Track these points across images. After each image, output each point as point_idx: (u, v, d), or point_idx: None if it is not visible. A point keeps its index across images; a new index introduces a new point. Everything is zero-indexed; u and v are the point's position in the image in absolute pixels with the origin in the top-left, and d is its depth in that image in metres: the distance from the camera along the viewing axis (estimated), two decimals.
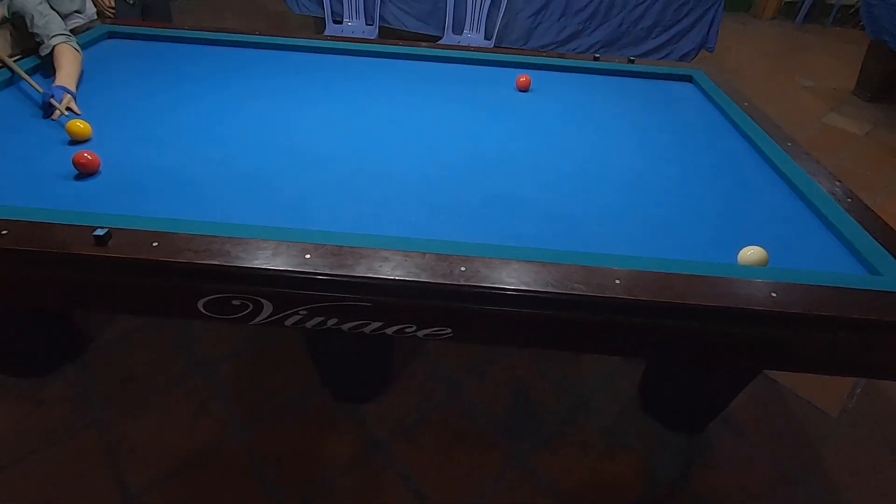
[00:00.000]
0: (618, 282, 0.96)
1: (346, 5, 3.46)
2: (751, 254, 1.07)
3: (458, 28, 3.45)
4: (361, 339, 1.37)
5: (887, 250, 1.09)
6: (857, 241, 1.13)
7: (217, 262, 0.95)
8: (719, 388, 1.46)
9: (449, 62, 2.04)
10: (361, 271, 0.95)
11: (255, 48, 2.05)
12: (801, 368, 1.08)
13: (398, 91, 1.78)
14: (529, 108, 1.74)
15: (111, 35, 2.06)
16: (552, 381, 1.74)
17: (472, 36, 3.42)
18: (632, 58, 2.07)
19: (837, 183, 1.33)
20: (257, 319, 1.06)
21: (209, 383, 1.64)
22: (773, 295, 0.96)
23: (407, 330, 1.06)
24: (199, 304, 1.03)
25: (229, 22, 4.77)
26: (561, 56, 2.09)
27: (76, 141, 1.34)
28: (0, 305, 1.38)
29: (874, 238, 1.13)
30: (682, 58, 3.52)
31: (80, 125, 1.34)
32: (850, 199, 1.27)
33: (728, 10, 4.05)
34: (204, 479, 1.40)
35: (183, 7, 4.88)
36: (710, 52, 3.55)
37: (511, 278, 0.96)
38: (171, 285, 1.01)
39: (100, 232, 0.97)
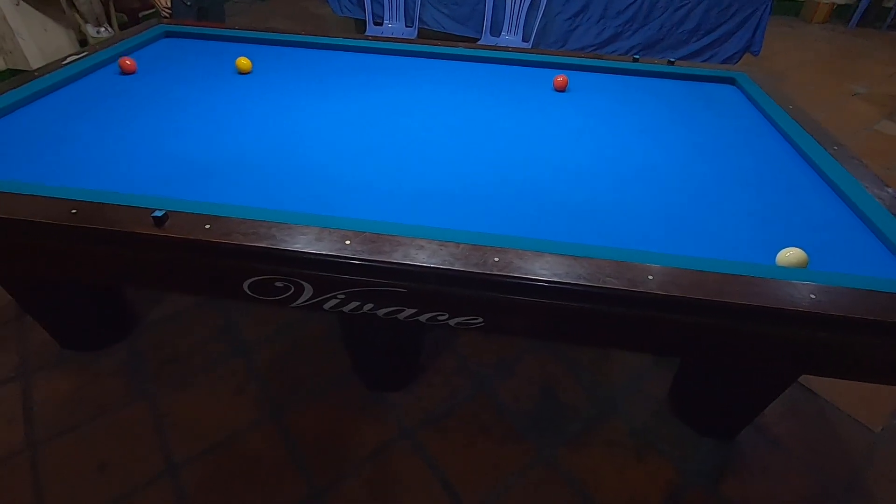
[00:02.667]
0: (650, 277, 0.97)
1: (386, 7, 3.54)
2: (790, 255, 1.05)
3: (495, 30, 3.48)
4: (393, 329, 1.42)
5: None
6: None
7: (263, 245, 1.01)
8: (753, 392, 1.43)
9: (486, 62, 2.06)
10: (398, 258, 0.99)
11: (302, 47, 2.13)
12: (841, 374, 1.06)
13: (437, 89, 1.82)
14: (566, 107, 1.75)
15: (167, 34, 2.18)
16: (581, 381, 1.73)
17: (510, 38, 3.44)
18: (672, 59, 2.05)
19: (888, 189, 1.28)
20: (298, 301, 1.11)
21: (247, 366, 1.71)
22: (813, 296, 0.95)
23: (439, 318, 1.09)
24: (245, 285, 1.09)
25: (276, 23, 4.94)
26: (600, 56, 2.09)
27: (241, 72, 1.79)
28: (67, 280, 1.49)
29: None
30: (725, 61, 3.45)
31: (244, 61, 1.79)
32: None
33: (776, 14, 3.95)
34: (241, 454, 1.47)
35: (232, 10, 5.09)
36: (755, 55, 3.46)
37: (543, 270, 0.98)
38: (220, 265, 1.07)
39: (158, 213, 1.04)
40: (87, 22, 3.24)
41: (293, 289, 1.08)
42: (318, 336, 1.83)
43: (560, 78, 1.84)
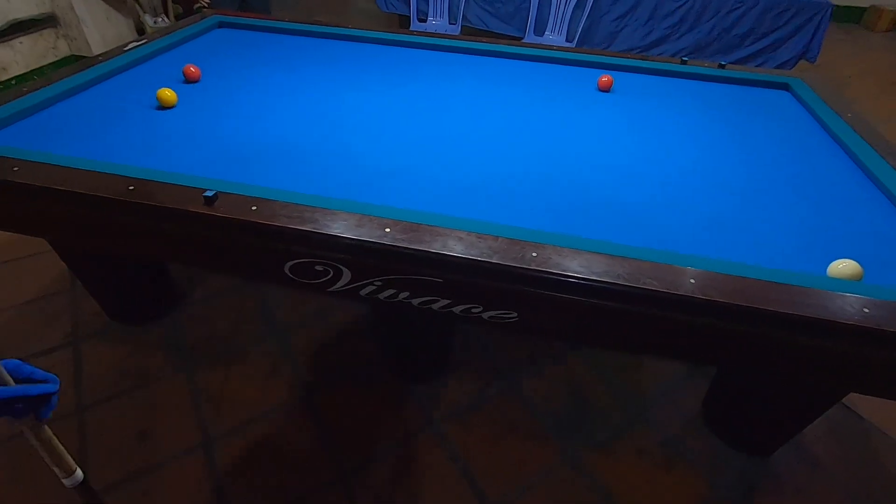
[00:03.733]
0: (692, 281, 0.95)
1: (430, 4, 3.57)
2: (842, 267, 1.01)
3: (539, 29, 3.45)
4: (424, 321, 1.44)
5: None
6: None
7: (306, 228, 1.03)
8: (794, 409, 1.38)
9: (529, 60, 2.05)
10: (437, 248, 1.00)
11: (348, 40, 2.17)
12: (891, 395, 1.01)
13: (480, 85, 1.82)
14: (610, 107, 1.72)
15: (221, 24, 2.27)
16: (612, 386, 1.71)
17: (554, 37, 3.41)
18: (722, 62, 1.99)
19: None
20: (336, 286, 1.14)
21: (282, 348, 1.76)
22: (866, 311, 0.90)
23: (473, 310, 1.10)
24: (286, 267, 1.13)
25: (322, 18, 5.04)
26: (646, 58, 2.05)
27: (164, 106, 1.54)
28: (120, 255, 1.56)
29: None
30: (778, 67, 3.32)
31: (167, 93, 1.53)
32: None
33: (836, 20, 3.77)
34: (272, 432, 1.51)
35: (281, 4, 5.22)
36: (811, 62, 3.32)
37: (581, 267, 0.97)
38: (264, 247, 1.10)
39: (209, 193, 1.08)
40: (145, 12, 3.39)
41: (332, 273, 1.11)
42: (350, 323, 1.87)
43: (605, 78, 1.82)
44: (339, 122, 1.53)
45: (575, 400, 1.66)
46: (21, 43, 3.11)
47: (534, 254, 0.99)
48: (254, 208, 1.08)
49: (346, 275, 1.10)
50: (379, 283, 1.10)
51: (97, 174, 1.16)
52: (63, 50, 3.35)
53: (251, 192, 1.13)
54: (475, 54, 2.09)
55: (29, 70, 3.21)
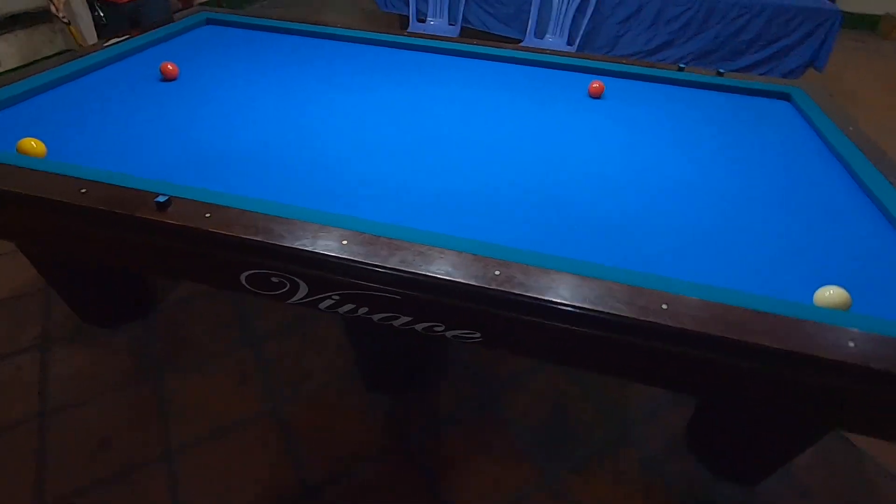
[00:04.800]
0: (665, 307, 0.88)
1: (430, 4, 3.51)
2: (829, 294, 0.94)
3: (540, 32, 3.39)
4: (397, 333, 1.38)
5: None
6: None
7: (259, 239, 0.98)
8: (781, 439, 1.30)
9: (521, 63, 1.99)
10: (394, 263, 0.94)
11: (338, 40, 2.11)
12: (878, 434, 0.94)
13: (468, 90, 1.75)
14: (599, 115, 1.65)
15: (209, 21, 2.22)
16: (594, 404, 1.64)
17: (554, 40, 3.34)
18: (721, 70, 1.92)
19: None
20: (294, 299, 1.08)
21: (254, 356, 1.71)
22: (851, 344, 0.83)
23: (436, 328, 1.04)
24: (242, 277, 1.08)
25: (326, 17, 5.00)
26: (642, 63, 1.98)
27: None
28: (77, 259, 1.52)
29: None
30: (785, 75, 3.23)
31: (32, 143, 1.22)
32: None
33: (848, 27, 3.67)
34: (238, 444, 1.46)
35: (286, 1, 5.19)
36: (819, 71, 3.22)
37: (546, 289, 0.91)
38: (218, 256, 1.05)
39: (161, 198, 1.04)
40: None
41: (289, 286, 1.06)
42: (327, 331, 1.81)
43: (595, 84, 1.75)
44: (317, 126, 1.47)
45: (556, 417, 1.60)
46: (16, 36, 3.10)
47: (496, 272, 0.93)
48: (207, 215, 1.03)
49: (303, 288, 1.05)
50: (337, 298, 1.05)
51: (49, 175, 1.11)
52: (59, 44, 3.33)
53: (207, 197, 1.07)
54: (465, 56, 2.03)
55: (25, 63, 3.20)
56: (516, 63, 1.99)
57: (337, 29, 2.14)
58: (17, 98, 1.48)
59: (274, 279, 1.05)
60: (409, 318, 1.04)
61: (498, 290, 0.91)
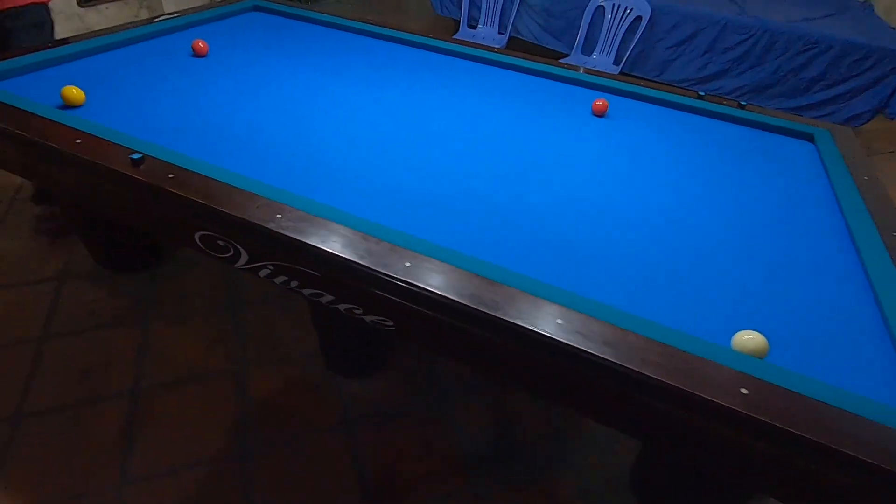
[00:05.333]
0: (559, 322, 0.87)
1: (483, 12, 3.55)
2: (747, 339, 0.89)
3: (588, 49, 3.34)
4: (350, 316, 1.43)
5: None
6: None
7: (205, 202, 1.06)
8: (718, 489, 1.23)
9: (536, 75, 1.99)
10: (315, 241, 0.99)
11: (376, 38, 2.18)
12: (770, 493, 0.87)
13: (477, 97, 1.76)
14: (597, 134, 1.61)
15: (256, 8, 2.39)
16: (549, 422, 1.61)
17: (601, 58, 3.28)
18: (743, 102, 1.82)
19: None
20: (238, 264, 1.16)
21: (235, 320, 1.83)
22: (744, 391, 0.79)
23: (355, 311, 1.08)
24: (196, 237, 1.17)
25: (383, 17, 5.16)
26: (659, 87, 1.91)
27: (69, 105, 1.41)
28: (78, 204, 1.68)
29: None
30: (848, 121, 2.98)
31: (74, 91, 1.41)
32: None
33: None
34: (196, 396, 1.57)
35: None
36: (891, 119, 2.95)
37: (436, 281, 0.92)
38: (176, 213, 1.15)
39: (135, 156, 1.15)
40: None
41: (232, 251, 1.14)
42: (302, 309, 1.89)
43: (599, 102, 1.72)
44: (314, 115, 1.54)
45: (502, 429, 1.58)
46: (107, 9, 3.46)
47: (407, 263, 0.96)
48: (171, 176, 1.13)
49: (244, 255, 1.13)
50: (272, 268, 1.11)
51: (54, 123, 1.26)
52: (143, 16, 3.68)
53: (177, 160, 1.18)
54: (483, 63, 2.05)
55: None
56: (529, 74, 1.99)
57: (374, 27, 2.22)
58: (75, 55, 1.71)
59: (220, 243, 1.14)
60: (333, 297, 1.08)
61: (403, 280, 0.93)
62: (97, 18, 3.41)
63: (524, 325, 0.86)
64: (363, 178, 1.28)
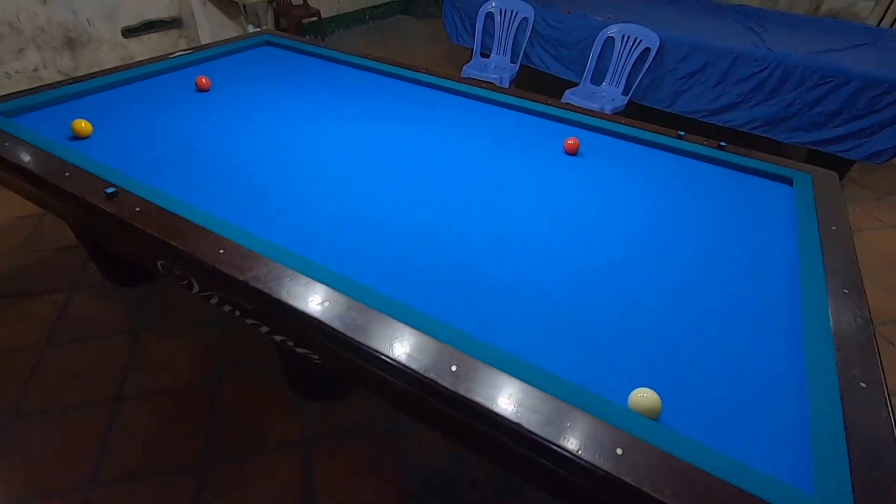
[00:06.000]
0: (454, 368, 0.91)
1: (495, 41, 3.63)
2: (643, 397, 0.89)
3: (597, 79, 3.34)
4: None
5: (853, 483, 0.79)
6: (826, 454, 0.83)
7: (162, 238, 1.17)
8: None
9: (513, 109, 2.03)
10: (247, 276, 1.07)
11: (380, 74, 2.28)
12: None
13: (451, 132, 1.83)
14: (564, 174, 1.63)
15: (267, 42, 2.56)
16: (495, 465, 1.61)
17: (610, 89, 3.28)
18: (723, 143, 1.79)
19: (871, 371, 0.98)
20: (193, 292, 1.26)
21: (220, 334, 1.94)
22: (619, 452, 0.80)
23: (288, 343, 1.15)
24: (159, 264, 1.28)
25: (385, 46, 5.33)
26: (639, 125, 1.91)
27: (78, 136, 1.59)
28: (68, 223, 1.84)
29: (850, 466, 0.81)
30: (870, 157, 2.84)
31: (83, 124, 1.59)
32: (863, 384, 0.95)
33: None
34: (170, 406, 1.69)
35: (367, 33, 5.63)
36: None
37: (338, 322, 0.97)
38: (140, 242, 1.26)
39: (110, 190, 1.28)
40: (249, 21, 3.92)
41: (187, 280, 1.24)
42: None
43: (571, 140, 1.74)
44: (282, 150, 1.64)
45: (454, 460, 1.61)
46: (149, 38, 3.78)
47: (325, 303, 1.02)
48: (136, 209, 1.25)
49: (196, 285, 1.22)
50: (218, 298, 1.20)
51: (50, 156, 1.42)
52: (182, 47, 3.99)
53: (150, 194, 1.30)
54: (473, 99, 2.11)
55: None
56: (508, 108, 2.04)
57: (369, 61, 2.33)
58: (93, 90, 1.90)
59: (177, 272, 1.24)
60: (268, 329, 1.16)
61: (319, 319, 0.99)
62: (140, 48, 3.73)
63: (398, 362, 0.90)
64: (308, 213, 1.36)
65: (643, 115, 3.48)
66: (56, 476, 1.48)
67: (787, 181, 1.68)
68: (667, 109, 3.29)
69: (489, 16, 3.59)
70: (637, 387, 0.91)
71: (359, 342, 0.95)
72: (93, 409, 1.66)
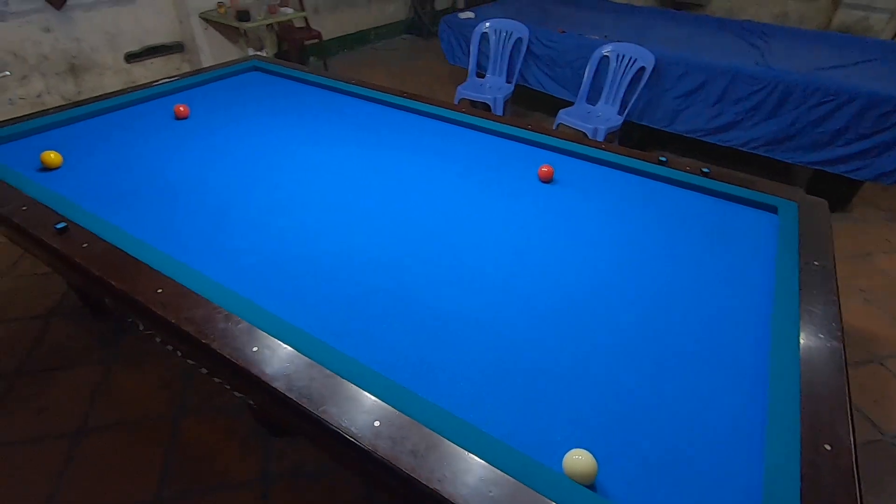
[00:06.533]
0: (377, 423, 0.85)
1: (490, 61, 3.61)
2: (577, 459, 0.82)
3: (593, 98, 3.28)
4: None
5: None
6: None
7: (101, 277, 1.15)
8: None
9: (493, 135, 1.99)
10: (177, 318, 1.04)
11: (364, 100, 2.26)
12: None
13: (425, 158, 1.81)
14: (534, 202, 1.58)
15: (255, 68, 2.58)
16: None
17: (606, 108, 3.22)
18: (706, 169, 1.72)
19: (838, 431, 0.90)
20: (141, 329, 1.23)
21: (182, 365, 1.91)
22: (490, 493, 0.73)
23: (225, 385, 1.11)
24: (107, 300, 1.26)
25: (361, 78, 5.34)
26: (618, 150, 1.84)
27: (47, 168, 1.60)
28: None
29: None
30: (878, 177, 2.71)
31: (52, 155, 1.60)
32: (828, 447, 0.86)
33: None
34: (131, 439, 1.66)
35: (366, 56, 5.67)
36: None
37: (294, 384, 0.93)
38: (87, 278, 1.24)
39: (60, 225, 1.27)
40: (249, 45, 3.98)
41: (132, 319, 1.21)
42: None
43: (545, 168, 1.69)
44: (256, 179, 1.63)
45: None
46: (152, 63, 3.86)
47: (254, 348, 0.98)
48: (84, 245, 1.23)
49: (142, 324, 1.19)
50: (160, 338, 1.17)
51: (9, 188, 1.42)
52: (185, 70, 4.07)
53: (101, 230, 1.28)
54: (447, 122, 2.08)
55: None
56: (484, 132, 2.00)
57: (358, 87, 2.28)
58: (71, 119, 1.91)
59: (120, 310, 1.22)
60: (205, 371, 1.12)
61: (241, 365, 0.95)
62: (143, 72, 3.81)
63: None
64: (262, 249, 1.33)
65: (640, 134, 3.41)
66: None
67: (772, 209, 1.59)
68: (664, 129, 3.20)
69: (484, 36, 3.57)
70: (572, 447, 0.84)
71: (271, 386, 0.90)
72: (50, 444, 1.64)
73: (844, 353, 1.06)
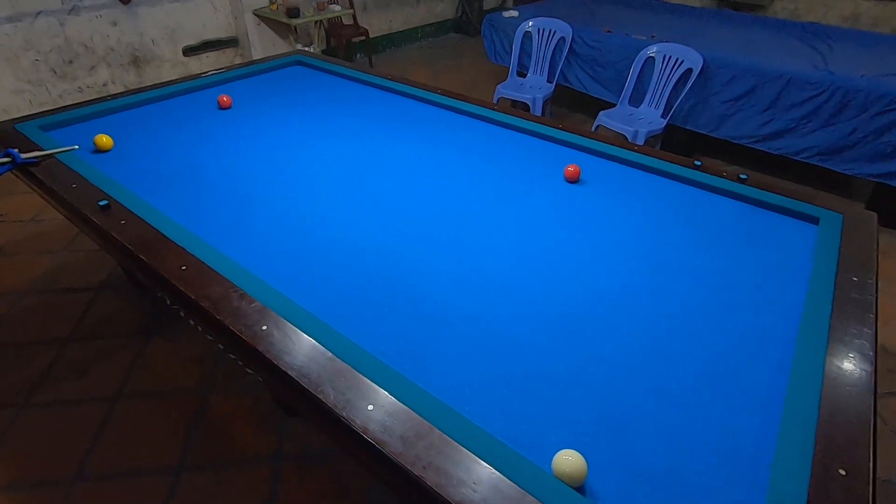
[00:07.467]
0: (370, 408, 0.87)
1: (532, 60, 3.57)
2: (566, 458, 0.81)
3: (636, 100, 3.19)
4: None
5: None
6: None
7: (134, 252, 1.22)
8: None
9: (527, 134, 1.97)
10: (201, 294, 1.10)
11: (403, 96, 2.28)
12: None
13: (456, 153, 1.82)
14: (561, 204, 1.54)
15: (299, 62, 2.66)
16: None
17: (648, 110, 3.12)
18: (744, 175, 1.64)
19: (856, 456, 0.84)
20: (169, 303, 1.30)
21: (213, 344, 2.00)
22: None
23: (239, 361, 1.16)
24: (139, 275, 1.34)
25: (406, 74, 5.36)
26: (651, 153, 1.78)
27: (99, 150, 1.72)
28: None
29: None
30: None
31: (104, 139, 1.72)
32: (843, 472, 0.80)
33: None
34: (160, 409, 1.76)
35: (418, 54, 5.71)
36: None
37: (294, 362, 0.96)
38: (123, 253, 1.33)
39: (102, 202, 1.36)
40: (298, 41, 4.11)
41: (161, 294, 1.28)
42: None
43: (571, 168, 1.66)
44: (287, 168, 1.69)
45: None
46: (207, 57, 4.06)
47: (263, 327, 1.02)
48: (123, 222, 1.32)
49: (168, 299, 1.27)
50: (183, 313, 1.24)
51: (64, 167, 1.54)
52: (238, 62, 4.26)
53: (137, 207, 1.37)
54: (477, 119, 2.08)
55: None
56: (513, 130, 1.98)
57: (396, 83, 2.31)
58: (123, 107, 2.06)
59: (148, 283, 1.29)
60: (221, 346, 1.17)
61: (254, 347, 0.99)
62: (198, 65, 4.02)
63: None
64: (283, 233, 1.38)
65: (684, 139, 3.28)
66: (48, 468, 1.58)
67: (814, 220, 1.50)
68: (710, 133, 3.07)
69: (527, 35, 3.54)
70: (564, 447, 0.83)
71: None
72: (89, 405, 1.77)
73: (875, 377, 0.98)
